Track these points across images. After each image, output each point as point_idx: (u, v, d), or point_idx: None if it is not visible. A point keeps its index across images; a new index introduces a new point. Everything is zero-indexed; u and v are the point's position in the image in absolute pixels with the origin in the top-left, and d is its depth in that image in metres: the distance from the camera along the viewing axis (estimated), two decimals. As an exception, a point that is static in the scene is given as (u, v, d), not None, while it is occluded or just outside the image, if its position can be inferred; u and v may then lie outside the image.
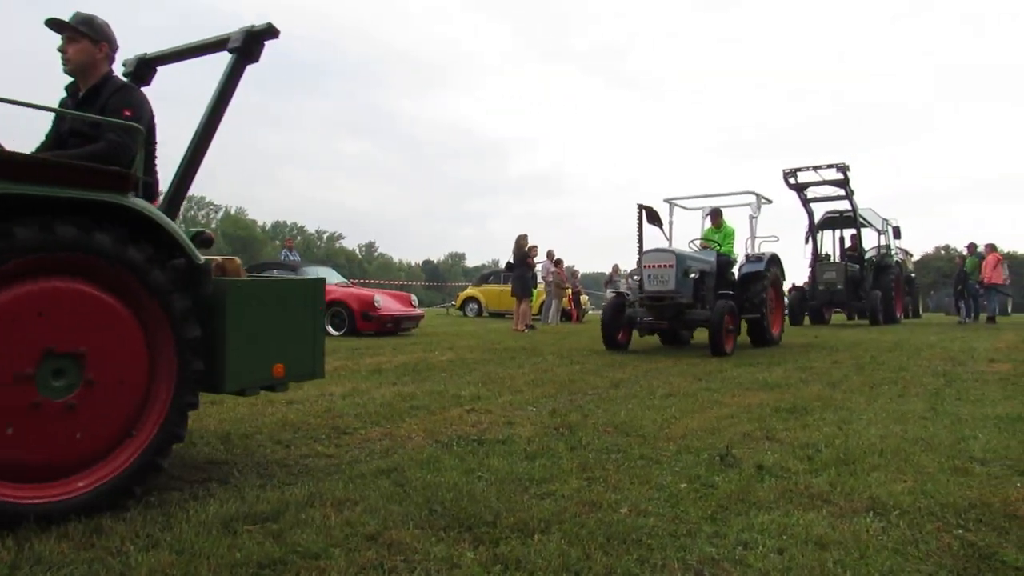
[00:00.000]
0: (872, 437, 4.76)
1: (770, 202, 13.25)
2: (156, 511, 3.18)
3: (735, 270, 12.30)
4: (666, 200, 13.56)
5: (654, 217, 11.31)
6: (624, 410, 5.79)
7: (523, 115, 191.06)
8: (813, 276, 19.74)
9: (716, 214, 12.70)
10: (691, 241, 12.65)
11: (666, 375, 8.07)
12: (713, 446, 4.48)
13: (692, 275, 10.75)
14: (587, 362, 9.32)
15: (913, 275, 27.26)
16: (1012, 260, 36.08)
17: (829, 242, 21.54)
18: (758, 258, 12.49)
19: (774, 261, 12.67)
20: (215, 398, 6.10)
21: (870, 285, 19.58)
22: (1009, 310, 20.72)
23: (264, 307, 3.75)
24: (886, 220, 21.71)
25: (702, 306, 11.04)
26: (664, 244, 11.86)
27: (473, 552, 2.75)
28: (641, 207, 11.24)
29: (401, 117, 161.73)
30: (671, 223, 13.23)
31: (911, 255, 27.43)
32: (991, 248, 19.10)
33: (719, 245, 12.18)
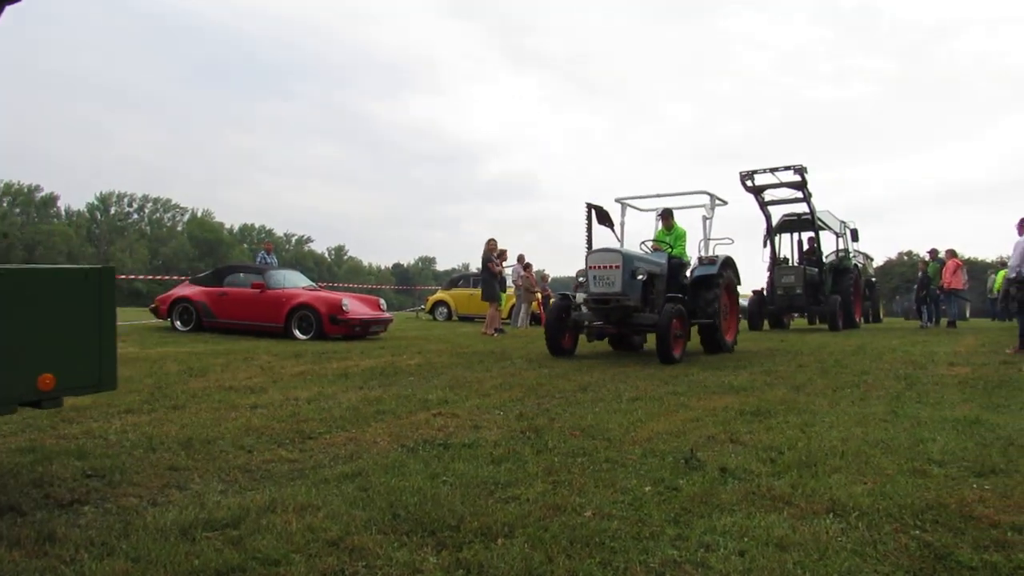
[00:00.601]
0: (834, 440, 4.82)
1: (725, 203, 12.56)
2: (113, 518, 3.12)
3: (688, 273, 11.73)
4: (617, 200, 12.79)
5: (604, 217, 10.90)
6: (591, 414, 5.80)
7: (496, 119, 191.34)
8: (772, 280, 19.32)
9: (667, 215, 12.04)
10: (642, 243, 11.98)
11: (633, 379, 8.10)
12: (678, 449, 4.51)
13: (640, 277, 10.24)
14: (555, 366, 9.33)
15: (874, 279, 26.96)
16: (972, 266, 36.87)
17: (788, 246, 21.17)
18: (711, 261, 11.76)
19: (728, 264, 12.01)
20: (178, 402, 6.02)
21: (829, 289, 19.21)
22: (968, 315, 20.86)
23: (22, 303, 3.07)
24: (844, 222, 21.20)
25: (651, 310, 10.55)
26: (614, 244, 11.47)
27: (436, 557, 2.74)
28: (590, 207, 10.84)
29: (372, 120, 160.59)
30: (622, 224, 12.53)
31: (871, 259, 27.17)
32: (951, 254, 19.46)
33: (670, 247, 11.63)
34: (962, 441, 4.79)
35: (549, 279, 27.95)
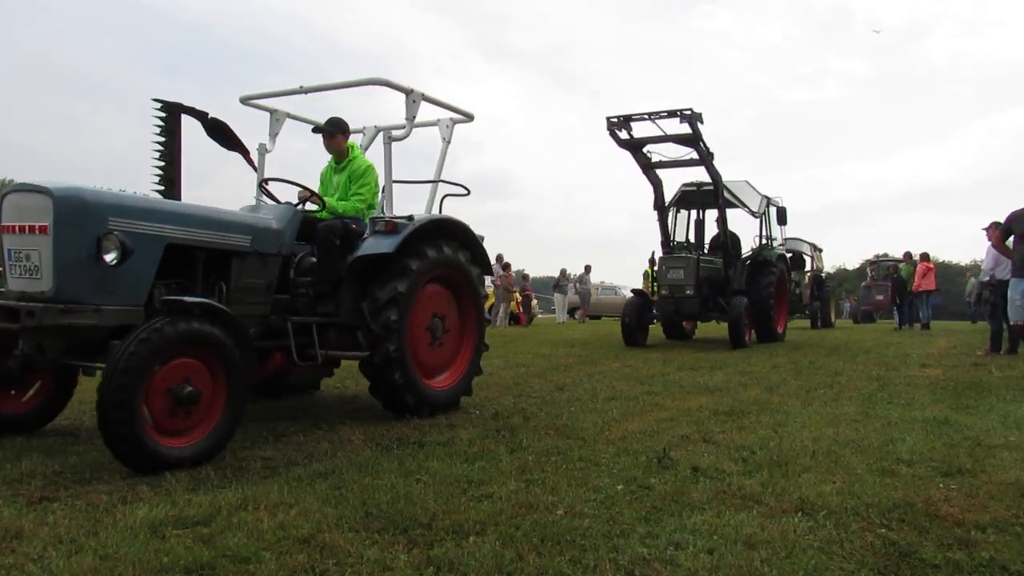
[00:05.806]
0: (805, 439, 4.87)
1: (471, 118, 6.50)
2: (82, 515, 3.10)
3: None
4: (244, 100, 6.26)
5: (225, 135, 5.85)
6: (566, 413, 5.83)
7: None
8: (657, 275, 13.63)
9: (332, 131, 6.06)
10: (263, 181, 6.06)
11: (610, 379, 8.14)
12: (651, 448, 4.54)
13: (109, 257, 4.00)
14: (532, 365, 9.36)
15: (823, 275, 23.02)
16: (946, 269, 37.27)
17: (707, 230, 15.06)
18: (392, 227, 5.47)
19: (442, 232, 5.90)
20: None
21: (742, 287, 13.83)
22: (930, 312, 20.27)
23: None
24: (768, 199, 15.07)
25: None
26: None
27: (407, 554, 2.74)
28: (175, 109, 5.52)
29: (343, 115, 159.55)
30: (262, 145, 6.41)
31: (820, 250, 22.91)
32: (924, 257, 19.76)
33: (317, 198, 5.68)
34: (931, 441, 4.86)
35: (530, 278, 28.00)
